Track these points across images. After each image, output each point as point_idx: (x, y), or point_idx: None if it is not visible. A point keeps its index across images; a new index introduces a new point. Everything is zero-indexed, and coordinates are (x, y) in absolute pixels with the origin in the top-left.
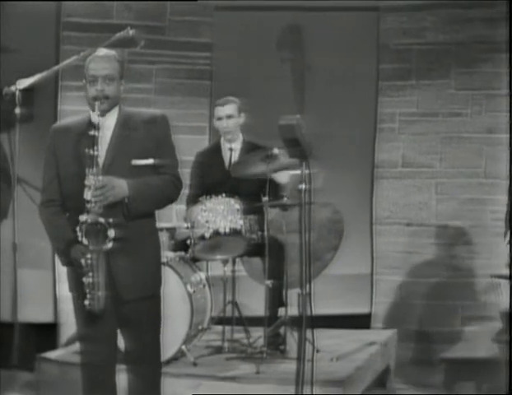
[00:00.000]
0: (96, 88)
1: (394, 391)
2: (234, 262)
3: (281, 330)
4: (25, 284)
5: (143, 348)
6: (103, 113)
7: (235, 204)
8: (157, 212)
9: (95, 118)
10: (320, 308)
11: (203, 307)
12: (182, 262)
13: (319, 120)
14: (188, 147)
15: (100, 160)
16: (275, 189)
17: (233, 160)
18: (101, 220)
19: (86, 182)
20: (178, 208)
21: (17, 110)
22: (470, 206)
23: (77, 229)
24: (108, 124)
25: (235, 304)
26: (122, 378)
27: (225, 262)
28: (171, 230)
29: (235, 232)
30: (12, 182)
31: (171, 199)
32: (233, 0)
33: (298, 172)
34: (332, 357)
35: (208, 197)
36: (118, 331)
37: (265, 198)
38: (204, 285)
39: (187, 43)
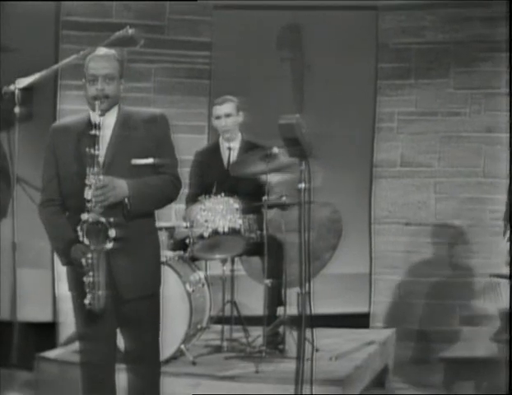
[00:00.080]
0: (96, 87)
1: (393, 390)
2: (233, 262)
3: (280, 329)
4: (24, 283)
5: (143, 347)
6: (103, 113)
7: (234, 203)
8: (156, 212)
9: (94, 117)
10: (319, 307)
11: (202, 306)
12: (181, 262)
13: (318, 119)
14: (188, 146)
15: (100, 160)
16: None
17: (232, 160)
18: (102, 219)
19: (87, 181)
20: (177, 207)
21: (17, 109)
22: (469, 206)
23: (78, 228)
24: (107, 123)
25: (233, 303)
26: (121, 378)
27: (224, 261)
28: (170, 230)
29: (234, 231)
30: (12, 181)
31: (171, 199)
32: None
33: (289, 175)
34: (331, 356)
35: (207, 196)
36: (118, 330)
37: (264, 198)
38: (203, 285)
39: (186, 42)
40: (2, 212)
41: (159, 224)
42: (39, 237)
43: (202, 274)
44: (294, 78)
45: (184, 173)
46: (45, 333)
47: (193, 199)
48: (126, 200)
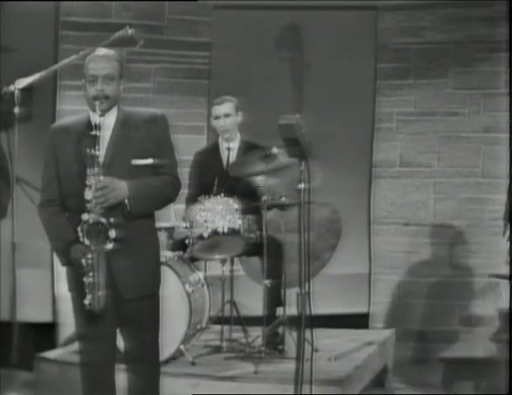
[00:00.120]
0: (96, 88)
1: (392, 390)
2: (232, 262)
3: (280, 329)
4: (23, 283)
5: (142, 347)
6: (102, 113)
7: (234, 204)
8: (156, 212)
9: (94, 117)
10: (318, 307)
11: (202, 306)
12: (180, 262)
13: (317, 119)
14: (187, 147)
15: (100, 160)
16: (253, 191)
17: (231, 160)
18: (103, 220)
19: (87, 182)
20: (176, 208)
21: (16, 110)
22: (468, 206)
23: (79, 228)
24: (107, 124)
25: (233, 303)
26: (121, 378)
27: (223, 261)
28: (170, 230)
29: (233, 232)
30: (11, 181)
31: (170, 199)
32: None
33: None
34: (330, 357)
35: (207, 196)
36: (118, 330)
37: (264, 198)
38: (203, 285)
39: (185, 42)
40: (1, 212)
41: (158, 224)
42: (39, 237)
43: (201, 274)
44: (293, 78)
45: (184, 173)
46: (45, 333)
47: (193, 199)
48: (126, 201)
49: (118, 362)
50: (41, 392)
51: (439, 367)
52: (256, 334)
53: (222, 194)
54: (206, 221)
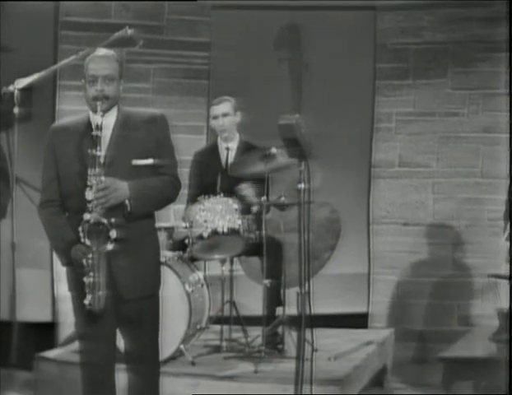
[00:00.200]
0: (96, 88)
1: (392, 390)
2: (232, 262)
3: (279, 329)
4: (23, 283)
5: (142, 347)
6: (103, 114)
7: (233, 204)
8: (156, 212)
9: (95, 117)
10: (318, 307)
11: (201, 306)
12: (180, 262)
13: (316, 119)
14: (186, 147)
15: (101, 160)
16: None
17: (230, 160)
18: (104, 220)
19: (88, 182)
20: (176, 208)
21: (16, 110)
22: (467, 206)
23: (80, 229)
24: (107, 124)
25: (232, 303)
26: (121, 378)
27: (223, 261)
28: (169, 230)
29: (233, 231)
30: (11, 181)
31: (170, 200)
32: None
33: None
34: (329, 356)
35: (207, 196)
36: (118, 330)
37: (263, 198)
38: (202, 285)
39: (185, 42)
40: (1, 213)
41: (158, 224)
42: (39, 237)
43: (201, 274)
44: (292, 78)
45: (184, 173)
46: (44, 333)
47: (194, 199)
48: (127, 201)
49: (118, 362)
50: (41, 392)
51: (439, 367)
52: (256, 334)
53: (222, 194)
54: (205, 221)
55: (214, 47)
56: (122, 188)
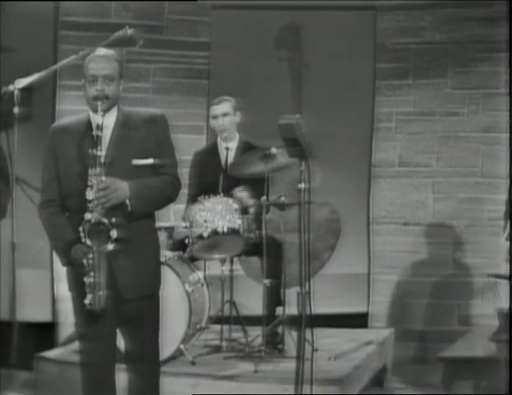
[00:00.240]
0: (96, 88)
1: (392, 390)
2: (232, 262)
3: (279, 329)
4: (23, 283)
5: (143, 347)
6: (104, 113)
7: (234, 204)
8: (156, 212)
9: (95, 117)
10: (318, 307)
11: (201, 306)
12: (180, 262)
13: (316, 119)
14: (186, 147)
15: (101, 160)
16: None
17: (229, 160)
18: (105, 220)
19: (89, 182)
20: (176, 208)
21: (16, 110)
22: (467, 206)
23: (80, 228)
24: (107, 124)
25: (232, 303)
26: (121, 378)
27: (223, 261)
28: (169, 230)
29: (233, 231)
30: (11, 181)
31: (171, 199)
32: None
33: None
34: (329, 356)
35: (207, 196)
36: (118, 330)
37: (263, 198)
38: (202, 285)
39: (185, 42)
40: (1, 213)
41: (158, 224)
42: (39, 237)
43: (201, 274)
44: (292, 78)
45: (184, 173)
46: (44, 333)
47: (194, 199)
48: (127, 201)
49: (119, 362)
50: (41, 392)
51: (439, 367)
52: (255, 334)
53: (222, 194)
54: (205, 221)
55: (214, 47)
56: (122, 188)
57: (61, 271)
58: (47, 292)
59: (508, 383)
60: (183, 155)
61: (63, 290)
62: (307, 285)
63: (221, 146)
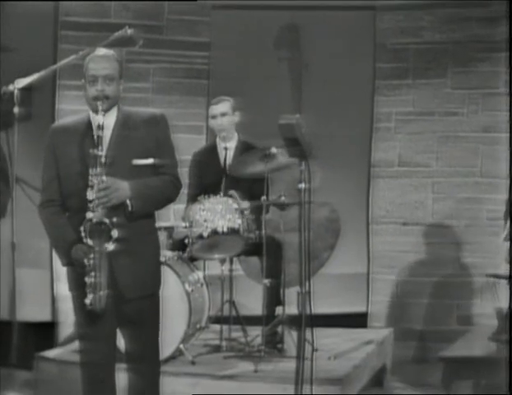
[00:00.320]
0: (96, 88)
1: (391, 390)
2: (231, 261)
3: (279, 329)
4: (23, 283)
5: (143, 347)
6: (104, 113)
7: (233, 203)
8: (156, 212)
9: (95, 117)
10: (317, 307)
11: (201, 306)
12: (180, 262)
13: (316, 119)
14: (186, 146)
15: (102, 160)
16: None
17: (228, 160)
18: (106, 220)
19: (89, 182)
20: (176, 208)
21: (16, 109)
22: (466, 206)
23: (81, 228)
24: (107, 124)
25: (232, 303)
26: (121, 377)
27: (222, 261)
28: (169, 230)
29: (233, 231)
30: (11, 181)
31: (171, 199)
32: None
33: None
34: (329, 356)
35: (206, 196)
36: (118, 330)
37: (263, 197)
38: (202, 285)
39: (185, 42)
40: (1, 212)
41: (158, 224)
42: (39, 237)
43: (200, 274)
44: (292, 78)
45: (184, 173)
46: (44, 333)
47: (194, 199)
48: (128, 201)
49: (119, 361)
50: (41, 392)
51: (438, 366)
52: (255, 333)
53: (221, 194)
54: (205, 221)
55: (214, 47)
56: (123, 188)
57: (61, 270)
58: (47, 292)
59: (508, 383)
60: (183, 155)
61: (63, 289)
62: (307, 284)
63: (220, 145)
